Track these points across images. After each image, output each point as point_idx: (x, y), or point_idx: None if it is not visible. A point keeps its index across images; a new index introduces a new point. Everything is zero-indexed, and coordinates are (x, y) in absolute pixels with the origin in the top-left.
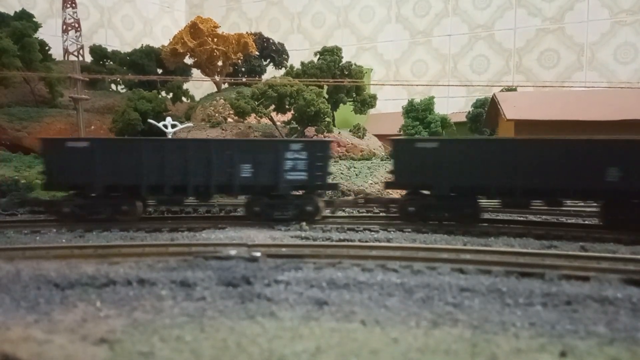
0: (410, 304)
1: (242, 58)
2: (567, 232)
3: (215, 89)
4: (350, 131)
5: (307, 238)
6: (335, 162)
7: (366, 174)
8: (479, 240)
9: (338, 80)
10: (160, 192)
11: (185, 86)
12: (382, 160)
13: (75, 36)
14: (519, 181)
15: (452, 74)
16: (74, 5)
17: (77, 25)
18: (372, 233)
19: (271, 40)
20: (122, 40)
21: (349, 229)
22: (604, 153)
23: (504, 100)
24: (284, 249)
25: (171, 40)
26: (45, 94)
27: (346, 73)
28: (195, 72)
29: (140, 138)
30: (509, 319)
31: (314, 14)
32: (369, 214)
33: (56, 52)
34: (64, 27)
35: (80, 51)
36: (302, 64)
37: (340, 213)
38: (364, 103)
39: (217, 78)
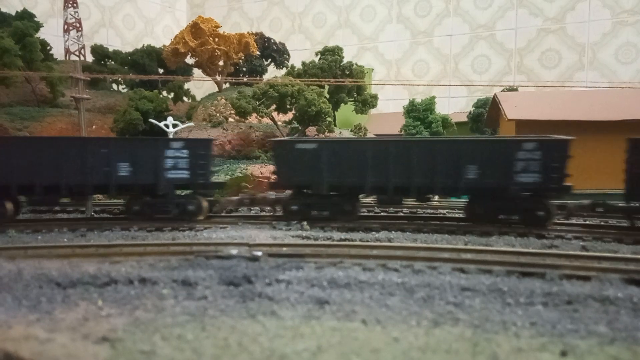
0: (411, 303)
1: (243, 58)
2: (568, 232)
3: (217, 89)
4: (351, 131)
5: (308, 237)
6: None
7: None
8: (480, 240)
9: (339, 80)
10: (31, 192)
11: (186, 86)
12: None
13: (77, 36)
14: (391, 179)
15: (453, 74)
16: (75, 4)
17: (78, 25)
18: (373, 232)
19: (272, 40)
20: (123, 39)
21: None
22: (463, 152)
23: (505, 100)
24: (285, 249)
25: (172, 40)
26: (47, 93)
27: (347, 73)
28: (197, 72)
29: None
30: (509, 319)
31: (315, 13)
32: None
33: (57, 52)
34: (65, 26)
35: (82, 51)
36: (303, 63)
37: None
38: (365, 103)
39: (218, 78)
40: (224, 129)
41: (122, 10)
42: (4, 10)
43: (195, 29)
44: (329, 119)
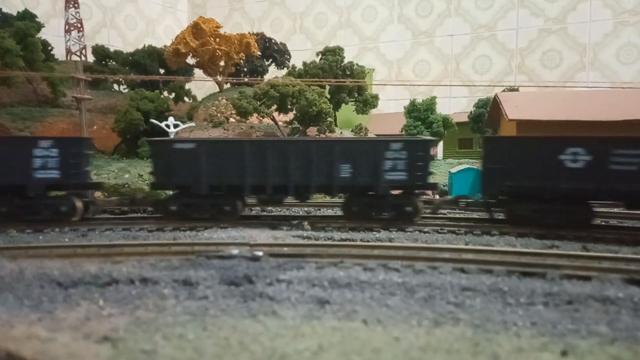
0: (412, 303)
1: (244, 58)
2: (569, 232)
3: (218, 89)
4: (352, 131)
5: (309, 237)
6: None
7: None
8: (480, 240)
9: (340, 81)
10: None
11: (187, 86)
12: None
13: (78, 36)
14: (270, 179)
15: (455, 74)
16: (76, 5)
17: (79, 25)
18: (374, 233)
19: (273, 41)
20: (124, 40)
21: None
22: (337, 152)
23: (506, 100)
24: (285, 249)
25: (173, 40)
26: (48, 93)
27: (348, 73)
28: (198, 72)
29: None
30: (510, 318)
31: (316, 14)
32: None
33: (59, 52)
34: (67, 27)
35: (83, 51)
36: (304, 64)
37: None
38: (366, 103)
39: (219, 78)
40: (225, 129)
41: (123, 10)
42: (5, 10)
43: (196, 29)
44: (329, 119)
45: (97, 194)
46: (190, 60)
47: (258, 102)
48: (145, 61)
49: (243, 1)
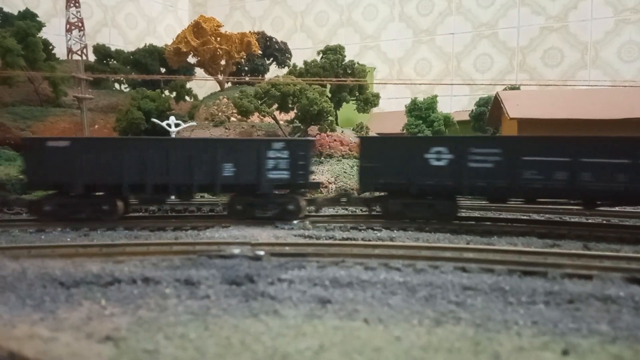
0: (413, 302)
1: (245, 57)
2: (570, 231)
3: (219, 88)
4: (353, 130)
5: (310, 237)
6: (338, 160)
7: None
8: (482, 239)
9: (341, 79)
10: None
11: (188, 85)
12: None
13: (79, 35)
14: (150, 178)
15: (456, 72)
16: (77, 4)
17: (80, 25)
18: (375, 232)
19: (274, 39)
20: (125, 39)
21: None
22: (219, 151)
23: (507, 98)
24: (287, 248)
25: (174, 39)
26: (49, 93)
27: (349, 72)
28: (199, 71)
29: None
30: (511, 318)
31: (317, 12)
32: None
33: (60, 52)
34: (68, 26)
35: (84, 50)
36: (305, 62)
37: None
38: (367, 102)
39: (220, 77)
40: (226, 128)
41: (124, 9)
42: (6, 10)
43: (197, 28)
44: (330, 118)
45: None
46: (191, 59)
47: (259, 101)
48: (146, 60)
49: (244, 0)
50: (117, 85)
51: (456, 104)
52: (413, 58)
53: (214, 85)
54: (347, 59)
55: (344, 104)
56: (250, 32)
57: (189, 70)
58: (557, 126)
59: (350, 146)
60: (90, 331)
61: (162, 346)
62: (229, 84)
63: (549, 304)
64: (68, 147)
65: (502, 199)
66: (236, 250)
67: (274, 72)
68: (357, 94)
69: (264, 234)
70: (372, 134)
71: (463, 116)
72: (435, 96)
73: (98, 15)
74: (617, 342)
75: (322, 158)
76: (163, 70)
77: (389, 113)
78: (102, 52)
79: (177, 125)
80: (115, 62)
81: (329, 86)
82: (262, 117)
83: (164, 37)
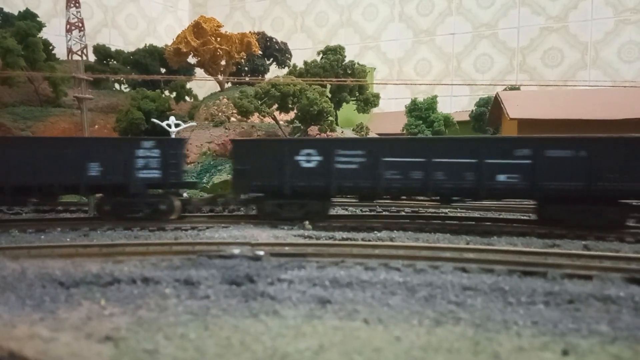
0: (413, 302)
1: (245, 57)
2: (570, 231)
3: (219, 88)
4: (353, 130)
5: (310, 237)
6: None
7: None
8: (481, 240)
9: (341, 80)
10: None
11: (188, 85)
12: None
13: (79, 36)
14: (9, 179)
15: (456, 72)
16: (77, 4)
17: (80, 25)
18: (375, 232)
19: (274, 40)
20: (125, 39)
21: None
22: (84, 150)
23: (507, 99)
24: (287, 248)
25: (174, 39)
26: (49, 93)
27: (349, 72)
28: (199, 72)
29: None
30: (511, 318)
31: (317, 13)
32: None
33: (60, 52)
34: (68, 26)
35: (84, 50)
36: (305, 63)
37: None
38: (367, 102)
39: (220, 77)
40: (226, 129)
41: (124, 9)
42: (6, 10)
43: (197, 28)
44: (330, 118)
45: None
46: (191, 60)
47: (259, 102)
48: (146, 60)
49: (244, 0)
50: (117, 86)
51: (456, 104)
52: (413, 58)
53: (214, 86)
54: (347, 59)
55: (344, 104)
56: (250, 32)
57: (189, 71)
58: (557, 126)
59: None
60: (90, 331)
61: (162, 346)
62: (229, 84)
63: (549, 304)
64: None
65: (370, 198)
66: (236, 251)
67: (274, 72)
68: (357, 94)
69: (263, 234)
70: (372, 134)
71: (463, 116)
72: (435, 96)
73: (98, 16)
74: (616, 342)
75: None
76: (163, 70)
77: (389, 113)
78: (102, 52)
79: (177, 125)
80: (115, 62)
81: (329, 86)
82: (262, 118)
83: (164, 37)
